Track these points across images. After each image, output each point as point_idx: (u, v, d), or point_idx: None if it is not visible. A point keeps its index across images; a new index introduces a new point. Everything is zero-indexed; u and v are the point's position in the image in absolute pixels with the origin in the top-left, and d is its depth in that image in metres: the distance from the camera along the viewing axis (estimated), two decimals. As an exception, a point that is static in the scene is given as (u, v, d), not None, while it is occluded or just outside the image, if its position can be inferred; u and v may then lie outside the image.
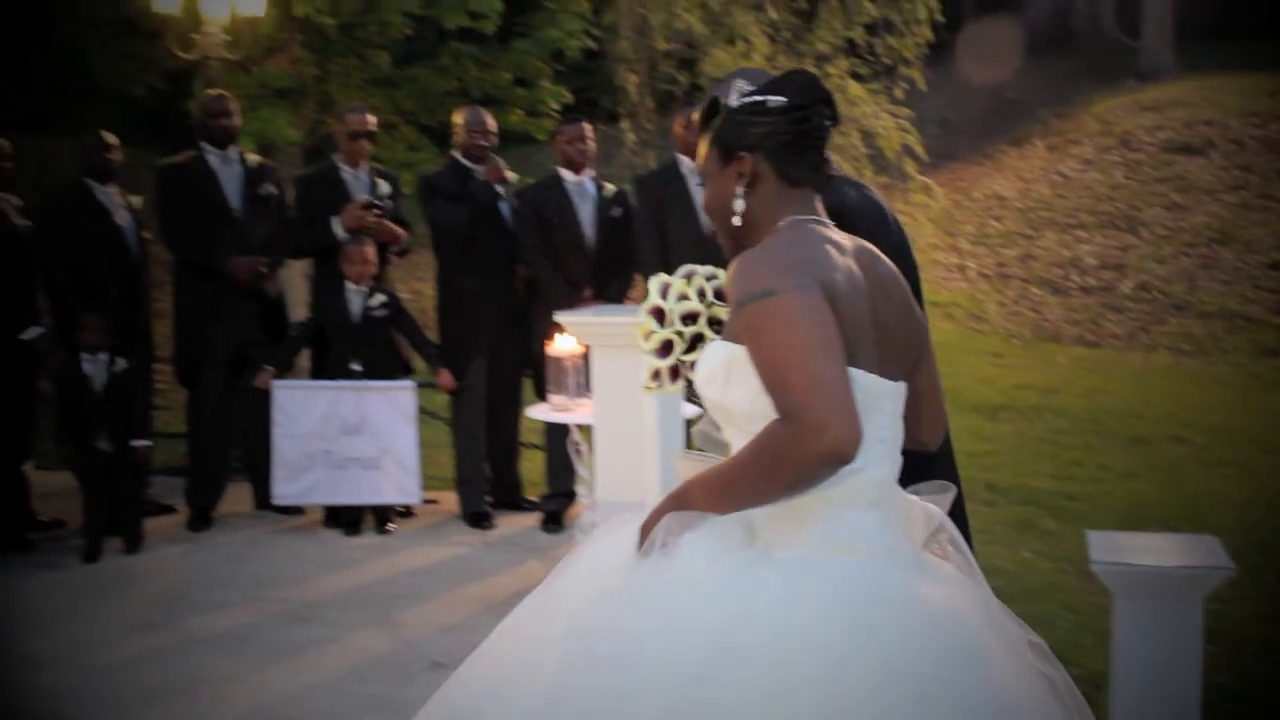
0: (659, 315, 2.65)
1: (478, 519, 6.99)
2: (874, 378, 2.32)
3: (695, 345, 2.65)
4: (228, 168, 6.99)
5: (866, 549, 2.29)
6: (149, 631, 5.33)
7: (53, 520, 6.88)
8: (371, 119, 7.26)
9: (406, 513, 7.13)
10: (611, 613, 2.25)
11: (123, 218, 6.94)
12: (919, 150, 13.54)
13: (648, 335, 2.66)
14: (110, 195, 6.92)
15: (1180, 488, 7.70)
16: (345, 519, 6.87)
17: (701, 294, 2.67)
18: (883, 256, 2.49)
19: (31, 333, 6.60)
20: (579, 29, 12.25)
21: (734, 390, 2.32)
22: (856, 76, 13.62)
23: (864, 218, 2.81)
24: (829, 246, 2.35)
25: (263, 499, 7.05)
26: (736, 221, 2.46)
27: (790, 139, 2.43)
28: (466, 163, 7.03)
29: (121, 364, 6.56)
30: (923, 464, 2.61)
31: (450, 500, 7.27)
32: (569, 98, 12.16)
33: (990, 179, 16.58)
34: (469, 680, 2.38)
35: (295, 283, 8.90)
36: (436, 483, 7.48)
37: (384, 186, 7.16)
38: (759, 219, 2.44)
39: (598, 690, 2.15)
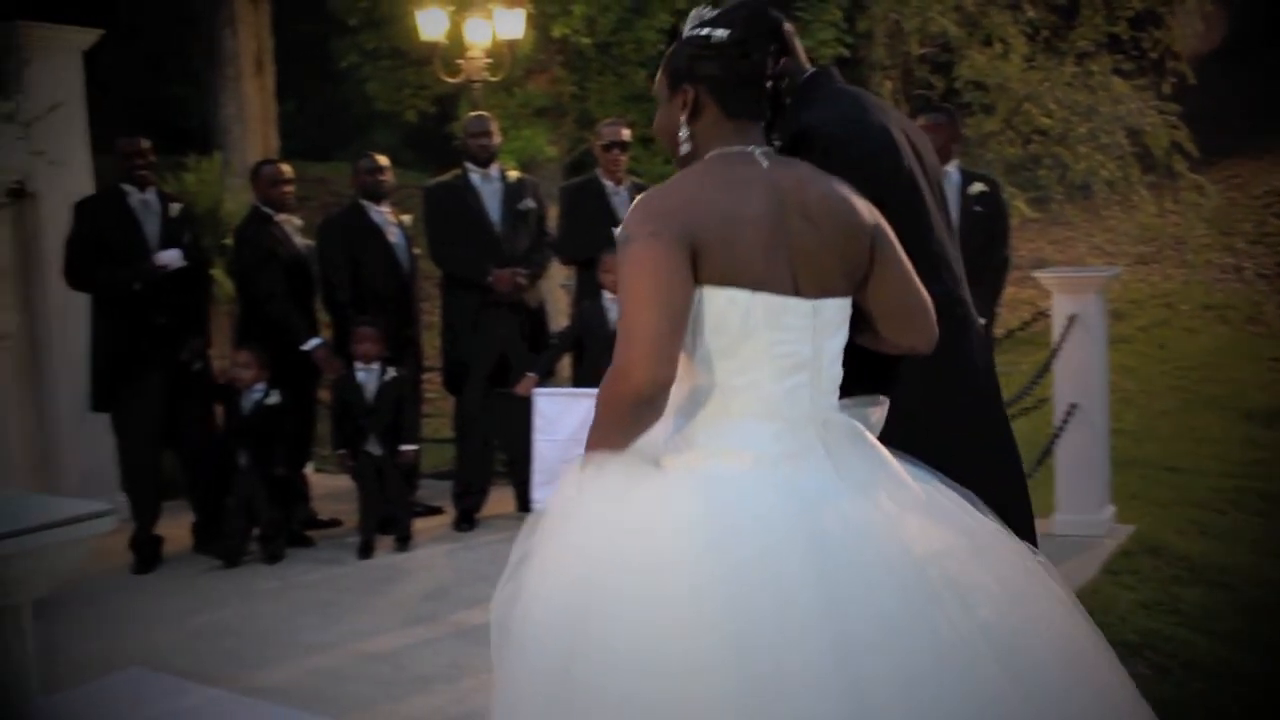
0: None
1: (730, 521, 7.06)
2: (767, 297, 2.41)
3: None
4: (489, 185, 7.25)
5: (753, 456, 2.40)
6: (416, 623, 5.61)
7: (330, 519, 7.30)
8: (625, 131, 7.43)
9: (661, 515, 7.26)
10: (534, 546, 2.44)
11: (394, 235, 7.27)
12: (1189, 147, 13.00)
13: None
14: (383, 214, 7.27)
15: None
16: (601, 521, 7.04)
17: None
18: (819, 178, 2.55)
19: (311, 344, 6.97)
20: (832, 37, 12.25)
21: None
22: (1120, 73, 13.20)
23: (836, 144, 2.82)
24: (727, 185, 2.45)
25: (525, 502, 7.27)
26: (683, 149, 2.59)
27: (731, 74, 2.53)
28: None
29: (392, 373, 6.91)
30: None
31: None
32: (822, 106, 12.14)
33: (1270, 174, 15.78)
34: None
35: (555, 293, 9.20)
36: (690, 487, 7.60)
37: (646, 200, 7.32)
38: (698, 147, 2.57)
39: (518, 615, 2.36)
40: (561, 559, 2.34)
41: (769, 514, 2.29)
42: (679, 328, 2.36)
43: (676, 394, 2.43)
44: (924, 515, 2.41)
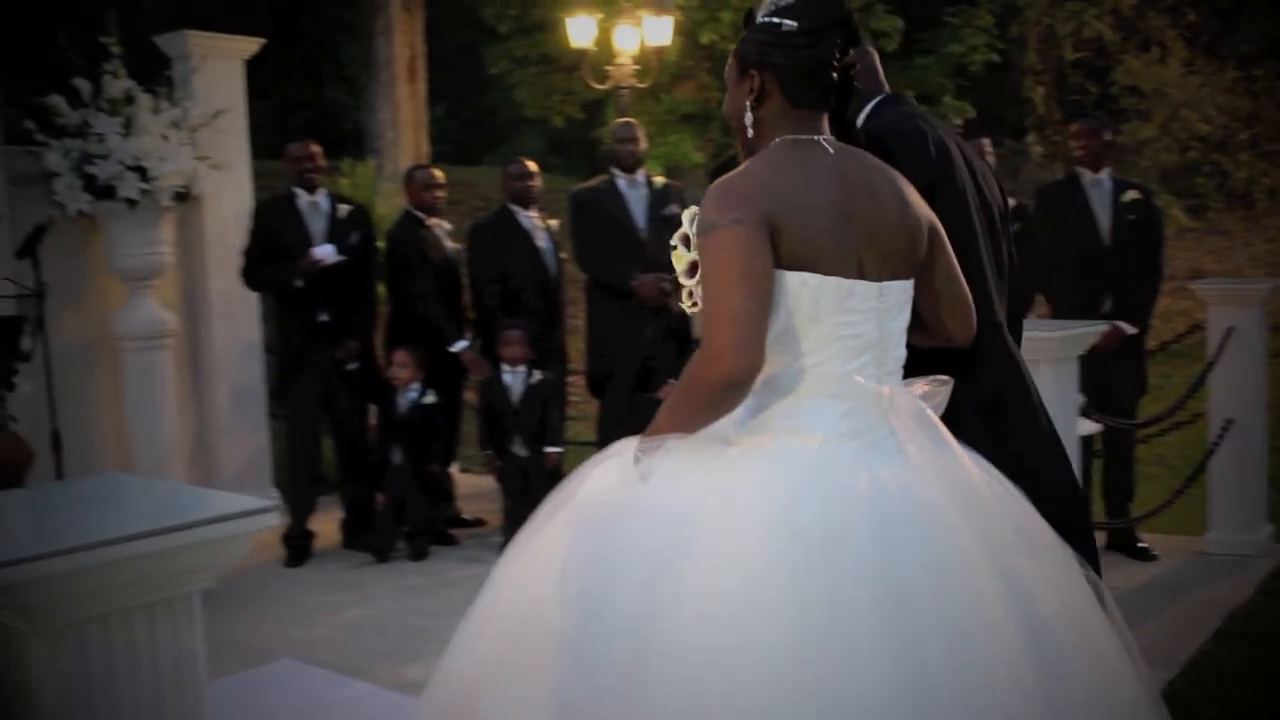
0: (687, 241, 2.75)
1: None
2: (837, 280, 2.47)
3: None
4: (635, 191, 7.29)
5: (822, 435, 2.47)
6: (558, 623, 5.67)
7: (475, 518, 7.43)
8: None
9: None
10: (594, 525, 2.50)
11: (542, 239, 7.35)
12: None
13: (680, 259, 2.77)
14: (531, 219, 7.35)
15: None
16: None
17: None
18: (883, 167, 2.64)
19: (459, 346, 7.10)
20: (982, 42, 12.09)
21: None
22: (1285, 78, 12.78)
23: (898, 145, 2.93)
24: (799, 170, 2.50)
25: (664, 505, 7.31)
26: (748, 134, 2.64)
27: (798, 64, 2.56)
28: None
29: (538, 376, 6.99)
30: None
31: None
32: (972, 112, 12.02)
33: None
34: (483, 617, 2.73)
35: (698, 299, 9.22)
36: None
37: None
38: (763, 133, 2.62)
39: (572, 597, 2.39)
40: (630, 551, 2.37)
41: (837, 496, 2.35)
42: (767, 312, 2.42)
43: None
44: (981, 499, 2.46)
